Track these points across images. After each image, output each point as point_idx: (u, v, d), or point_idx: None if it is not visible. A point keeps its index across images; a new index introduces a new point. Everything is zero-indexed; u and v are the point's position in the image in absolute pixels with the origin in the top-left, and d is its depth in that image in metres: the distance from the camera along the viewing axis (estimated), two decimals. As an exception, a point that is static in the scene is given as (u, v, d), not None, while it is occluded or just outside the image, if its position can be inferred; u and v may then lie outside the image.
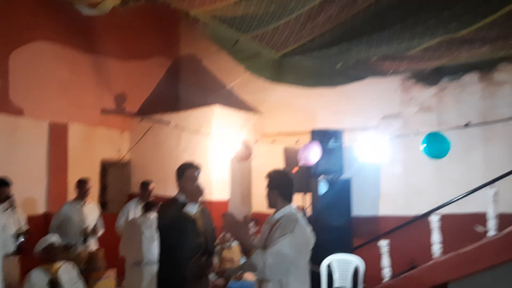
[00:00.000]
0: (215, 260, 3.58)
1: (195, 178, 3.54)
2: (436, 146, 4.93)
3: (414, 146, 6.12)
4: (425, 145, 5.01)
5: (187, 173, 3.54)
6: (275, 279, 2.99)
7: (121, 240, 5.40)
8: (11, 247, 4.60)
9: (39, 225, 6.51)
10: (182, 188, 3.57)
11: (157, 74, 9.45)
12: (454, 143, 5.26)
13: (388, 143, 6.16)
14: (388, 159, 6.73)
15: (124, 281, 5.23)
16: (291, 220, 3.09)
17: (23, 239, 4.88)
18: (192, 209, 3.55)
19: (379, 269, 6.32)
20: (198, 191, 3.56)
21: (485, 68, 6.52)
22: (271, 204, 3.26)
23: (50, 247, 4.23)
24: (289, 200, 3.24)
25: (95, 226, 5.78)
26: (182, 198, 3.55)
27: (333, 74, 5.62)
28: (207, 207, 3.74)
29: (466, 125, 5.22)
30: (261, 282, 3.09)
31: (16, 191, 5.30)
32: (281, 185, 3.23)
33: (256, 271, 3.00)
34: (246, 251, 3.04)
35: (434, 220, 6.01)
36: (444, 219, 6.05)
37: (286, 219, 3.12)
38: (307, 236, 3.10)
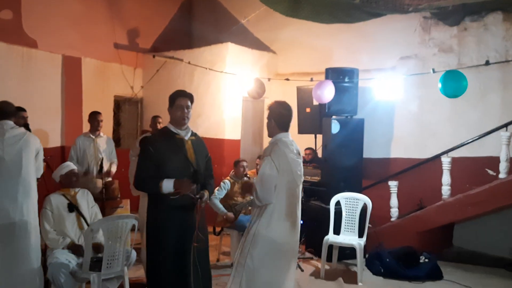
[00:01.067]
0: (210, 189, 3.54)
1: (184, 107, 3.38)
2: (453, 84, 4.82)
3: (430, 87, 6.02)
4: (442, 84, 4.90)
5: (177, 101, 3.39)
6: (270, 202, 3.21)
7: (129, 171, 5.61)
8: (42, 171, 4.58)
9: (55, 157, 6.66)
10: (172, 118, 3.43)
11: (170, 10, 9.26)
12: (471, 85, 5.14)
13: (404, 83, 6.04)
14: (403, 100, 6.64)
15: (139, 210, 5.38)
16: (272, 145, 3.31)
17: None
18: (183, 135, 3.45)
19: (387, 210, 6.43)
20: (182, 119, 3.39)
21: (509, 8, 6.26)
22: (269, 133, 3.43)
23: (71, 173, 4.34)
24: (284, 129, 3.37)
25: (109, 167, 5.86)
26: (172, 127, 3.44)
27: (351, 9, 5.44)
28: (201, 138, 3.60)
29: (487, 61, 5.08)
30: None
31: (32, 123, 5.35)
32: (277, 115, 3.36)
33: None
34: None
35: (445, 161, 6.02)
36: (456, 161, 6.06)
37: (270, 145, 3.34)
38: (287, 159, 3.26)
